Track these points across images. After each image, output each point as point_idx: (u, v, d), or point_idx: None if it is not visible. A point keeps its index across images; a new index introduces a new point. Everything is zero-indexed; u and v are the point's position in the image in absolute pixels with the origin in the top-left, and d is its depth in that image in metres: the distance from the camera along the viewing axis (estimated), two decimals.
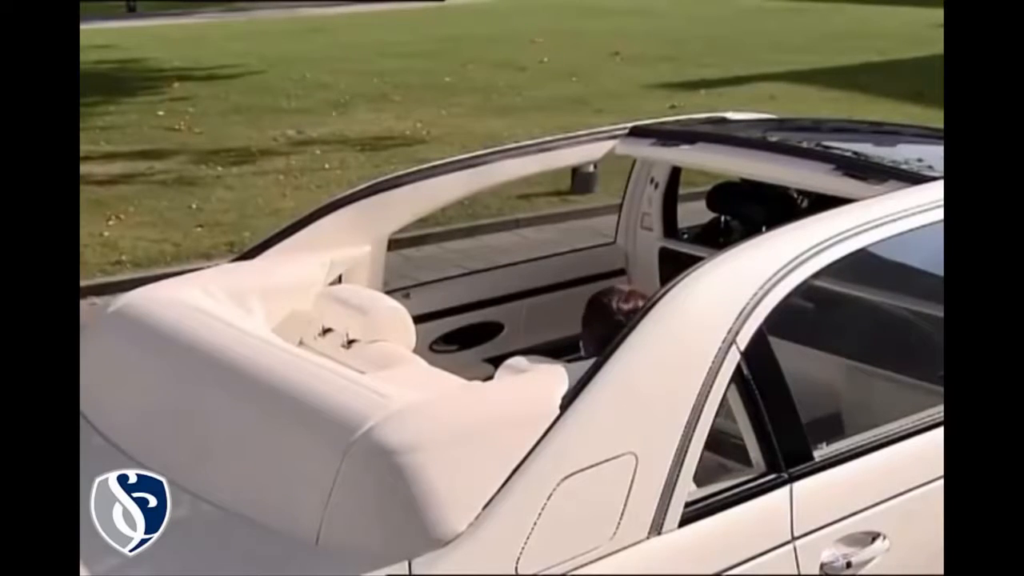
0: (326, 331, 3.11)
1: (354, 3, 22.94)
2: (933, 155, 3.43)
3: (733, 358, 2.44)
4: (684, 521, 2.35)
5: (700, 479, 2.44)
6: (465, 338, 4.03)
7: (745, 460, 2.56)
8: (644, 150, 3.92)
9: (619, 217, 4.60)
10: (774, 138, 3.96)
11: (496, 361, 3.18)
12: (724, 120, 4.31)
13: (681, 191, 4.53)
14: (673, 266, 3.78)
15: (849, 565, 2.51)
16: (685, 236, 4.51)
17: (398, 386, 2.45)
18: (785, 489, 2.50)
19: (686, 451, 2.35)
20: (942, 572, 2.24)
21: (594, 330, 3.02)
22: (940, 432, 2.61)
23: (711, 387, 2.40)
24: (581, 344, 3.10)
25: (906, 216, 2.86)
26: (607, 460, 2.26)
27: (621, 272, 4.49)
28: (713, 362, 2.41)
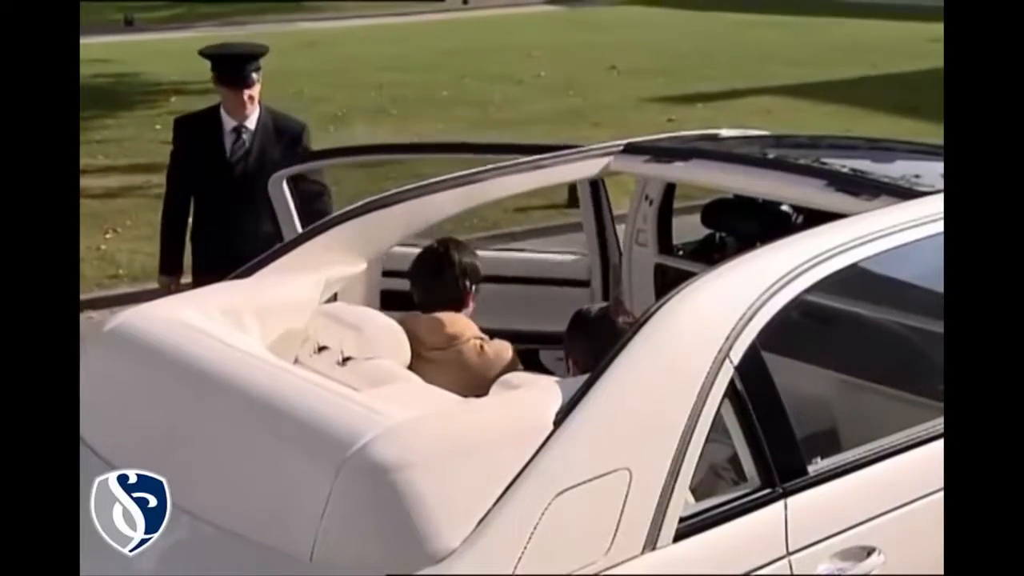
0: (321, 349, 3.12)
1: (351, 18, 22.98)
2: (928, 171, 3.45)
3: (727, 373, 2.45)
4: (679, 536, 2.36)
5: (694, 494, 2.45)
6: None
7: (740, 475, 2.57)
8: (639, 166, 3.94)
9: (584, 232, 4.59)
10: (768, 154, 3.98)
11: None
12: (717, 137, 4.33)
13: (677, 204, 4.55)
14: (669, 282, 3.79)
15: None
16: (680, 252, 4.53)
17: (392, 403, 2.46)
18: (780, 504, 2.51)
19: (680, 466, 2.35)
20: None
21: (576, 347, 3.03)
22: (934, 446, 2.63)
23: (705, 402, 2.41)
24: (566, 359, 3.11)
25: (898, 231, 2.88)
26: (601, 476, 2.27)
27: (584, 283, 4.50)
28: (707, 377, 2.42)
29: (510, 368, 3.22)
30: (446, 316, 3.31)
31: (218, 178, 4.72)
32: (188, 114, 5.17)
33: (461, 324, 3.32)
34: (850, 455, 2.71)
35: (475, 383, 2.95)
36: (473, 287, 3.41)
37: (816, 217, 3.35)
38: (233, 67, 4.67)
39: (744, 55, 17.52)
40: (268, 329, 3.06)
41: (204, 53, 4.76)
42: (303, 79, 15.58)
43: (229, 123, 4.72)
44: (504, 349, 3.32)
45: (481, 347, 3.29)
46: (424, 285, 3.43)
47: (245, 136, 4.73)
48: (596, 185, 4.33)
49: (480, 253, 3.79)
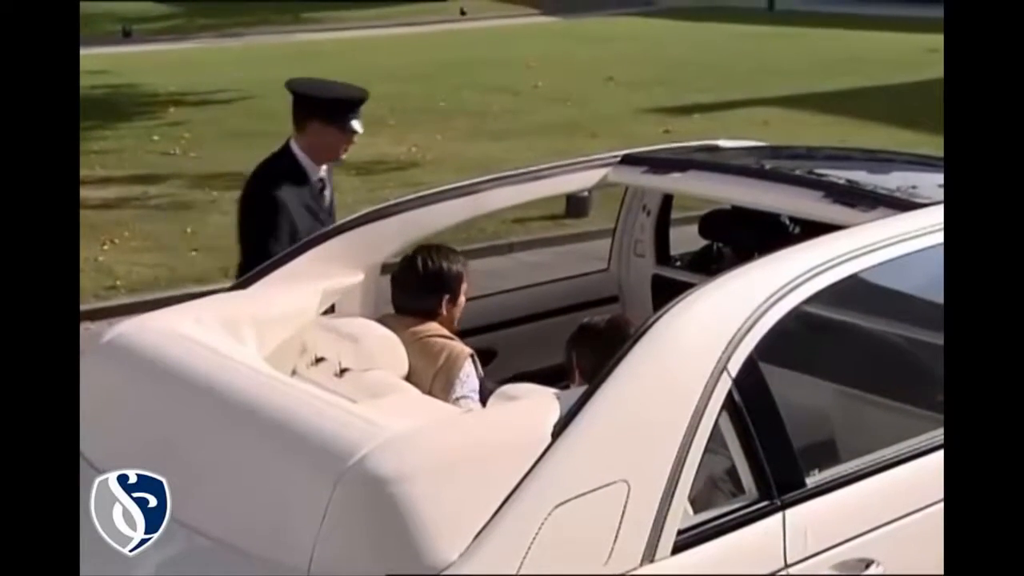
0: (319, 360, 3.11)
1: (350, 28, 23.03)
2: (925, 182, 3.46)
3: (724, 385, 2.45)
4: (677, 548, 2.35)
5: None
6: None
7: (738, 487, 2.56)
8: (636, 178, 3.94)
9: (612, 244, 4.62)
10: (765, 165, 3.99)
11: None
12: (715, 148, 4.33)
13: (675, 215, 4.56)
14: (666, 293, 3.79)
15: None
16: (678, 263, 4.53)
17: (390, 415, 2.46)
18: (778, 516, 2.50)
19: (678, 478, 2.35)
20: None
21: (583, 357, 3.03)
22: (933, 457, 2.63)
23: (703, 414, 2.40)
24: (571, 371, 3.10)
25: (897, 242, 2.88)
26: (599, 488, 2.26)
27: (614, 299, 4.51)
28: (704, 389, 2.42)
29: (458, 362, 3.26)
30: (417, 321, 3.36)
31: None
32: (270, 161, 4.14)
33: (431, 328, 3.38)
34: (849, 467, 2.71)
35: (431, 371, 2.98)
36: (446, 294, 3.43)
37: (814, 228, 3.36)
38: (347, 110, 3.99)
39: (741, 66, 17.57)
40: (266, 340, 3.06)
41: (306, 93, 4.05)
42: None
43: (314, 172, 4.04)
44: (462, 351, 3.33)
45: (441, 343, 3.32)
46: (398, 291, 3.47)
47: (328, 186, 4.11)
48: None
49: (509, 293, 3.78)
